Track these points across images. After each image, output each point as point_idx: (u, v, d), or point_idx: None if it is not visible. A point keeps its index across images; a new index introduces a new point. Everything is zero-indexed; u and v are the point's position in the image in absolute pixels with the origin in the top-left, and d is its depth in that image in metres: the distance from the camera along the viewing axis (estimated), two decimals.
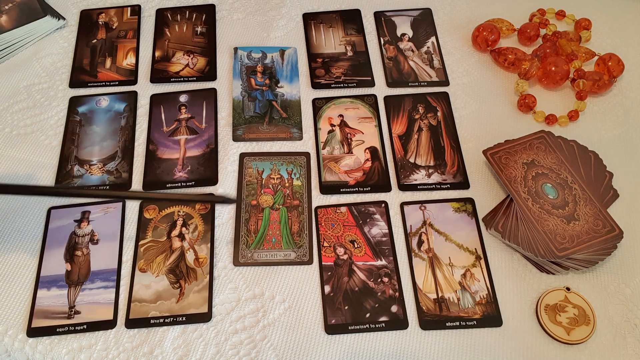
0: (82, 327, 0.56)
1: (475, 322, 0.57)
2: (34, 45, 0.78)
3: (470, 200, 0.64)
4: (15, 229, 0.63)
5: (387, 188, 0.66)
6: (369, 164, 0.67)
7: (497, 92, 0.74)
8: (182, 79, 0.75)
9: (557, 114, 0.70)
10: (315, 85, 0.74)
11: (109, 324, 0.56)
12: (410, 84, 0.74)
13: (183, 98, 0.73)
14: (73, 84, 0.75)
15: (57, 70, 0.76)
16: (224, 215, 0.64)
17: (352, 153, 0.68)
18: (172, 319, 0.57)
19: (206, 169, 0.67)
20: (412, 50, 0.77)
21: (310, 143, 0.69)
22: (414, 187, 0.66)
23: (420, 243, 0.62)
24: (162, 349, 0.55)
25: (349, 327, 0.56)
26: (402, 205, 0.64)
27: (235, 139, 0.69)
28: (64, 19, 0.80)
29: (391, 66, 0.76)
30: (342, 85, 0.74)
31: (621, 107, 0.72)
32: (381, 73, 0.76)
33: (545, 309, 0.57)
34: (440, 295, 0.58)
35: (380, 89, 0.74)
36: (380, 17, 0.81)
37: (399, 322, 0.57)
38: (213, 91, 0.74)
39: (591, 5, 0.81)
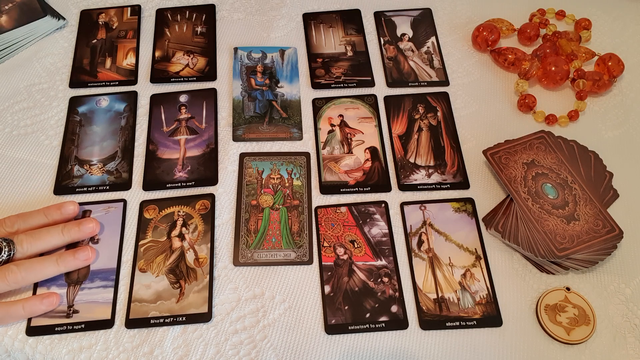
0: (80, 327, 0.56)
1: (475, 322, 0.57)
2: (34, 45, 0.78)
3: (470, 200, 0.64)
4: None
5: (387, 188, 0.66)
6: (369, 164, 0.67)
7: (497, 92, 0.74)
8: (182, 79, 0.75)
9: (557, 114, 0.70)
10: (315, 85, 0.74)
11: (106, 324, 0.56)
12: (410, 84, 0.74)
13: (183, 98, 0.73)
14: (73, 84, 0.75)
15: (57, 70, 0.76)
16: (224, 215, 0.64)
17: (352, 153, 0.68)
18: (172, 319, 0.57)
19: (206, 169, 0.67)
20: (412, 50, 0.77)
21: (310, 143, 0.69)
22: (414, 187, 0.66)
23: (420, 243, 0.62)
24: (162, 349, 0.55)
25: (349, 327, 0.56)
26: (402, 205, 0.64)
27: (235, 139, 0.69)
28: (64, 19, 0.80)
29: (391, 66, 0.76)
30: (342, 85, 0.74)
31: (621, 107, 0.72)
32: (381, 73, 0.76)
33: (545, 309, 0.57)
34: (440, 295, 0.58)
35: (380, 89, 0.74)
36: (380, 17, 0.81)
37: (399, 322, 0.57)
38: (213, 91, 0.74)
39: (591, 5, 0.81)
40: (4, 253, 0.54)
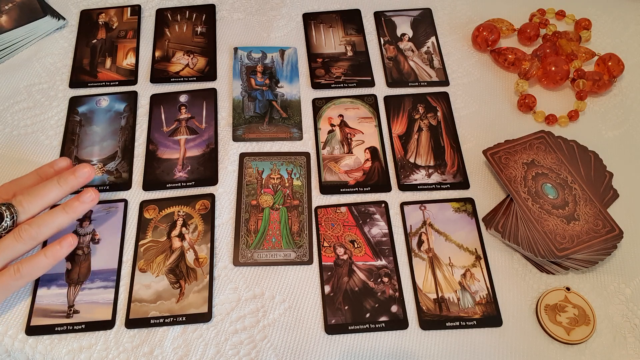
0: (80, 327, 0.56)
1: (475, 322, 0.57)
2: (34, 45, 0.78)
3: (470, 200, 0.64)
4: None
5: (387, 188, 0.66)
6: (369, 164, 0.67)
7: (497, 92, 0.74)
8: (182, 79, 0.75)
9: (557, 114, 0.70)
10: (315, 85, 0.74)
11: (107, 324, 0.56)
12: (410, 84, 0.74)
13: (183, 98, 0.73)
14: (73, 84, 0.75)
15: (57, 70, 0.76)
16: (224, 215, 0.64)
17: (352, 153, 0.68)
18: (172, 319, 0.57)
19: (206, 169, 0.67)
20: (412, 50, 0.77)
21: (310, 143, 0.69)
22: (414, 187, 0.66)
23: (420, 243, 0.62)
24: (162, 349, 0.55)
25: (349, 327, 0.56)
26: (402, 205, 0.64)
27: (235, 139, 0.69)
28: (64, 19, 0.80)
29: (391, 66, 0.76)
30: (342, 85, 0.74)
31: (621, 107, 0.72)
32: (381, 73, 0.76)
33: (545, 309, 0.57)
34: (440, 295, 0.58)
35: (380, 89, 0.74)
36: (380, 17, 0.81)
37: (399, 322, 0.57)
38: (213, 91, 0.74)
39: (591, 5, 0.81)
40: (7, 217, 0.54)
